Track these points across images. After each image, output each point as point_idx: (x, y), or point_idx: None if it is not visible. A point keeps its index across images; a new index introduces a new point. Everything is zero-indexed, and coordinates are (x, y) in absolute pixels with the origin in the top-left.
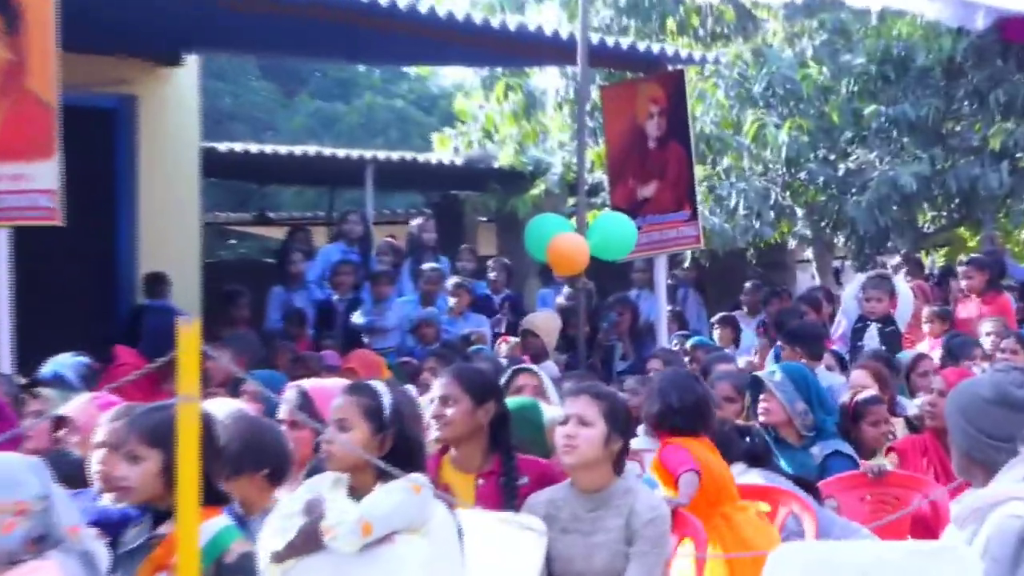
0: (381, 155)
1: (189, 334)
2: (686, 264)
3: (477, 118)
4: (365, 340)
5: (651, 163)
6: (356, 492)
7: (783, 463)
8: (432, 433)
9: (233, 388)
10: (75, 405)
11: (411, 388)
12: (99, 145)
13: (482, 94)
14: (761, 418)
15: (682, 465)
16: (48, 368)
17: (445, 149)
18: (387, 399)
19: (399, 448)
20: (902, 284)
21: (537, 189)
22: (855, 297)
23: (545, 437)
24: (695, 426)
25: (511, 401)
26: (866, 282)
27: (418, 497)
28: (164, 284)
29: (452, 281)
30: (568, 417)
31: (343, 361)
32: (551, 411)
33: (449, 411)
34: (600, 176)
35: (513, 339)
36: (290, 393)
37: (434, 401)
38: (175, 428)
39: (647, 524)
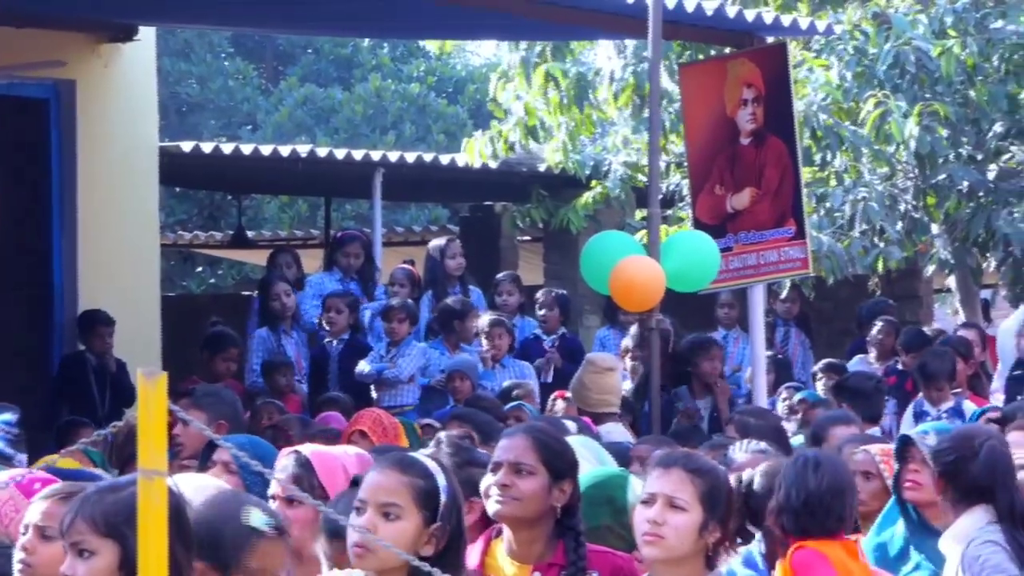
0: (392, 156)
1: (152, 391)
2: (783, 295)
3: (510, 111)
4: (373, 395)
5: (744, 165)
6: None
7: (926, 553)
8: (490, 507)
9: (204, 458)
10: None
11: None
12: (26, 145)
13: (520, 81)
14: (908, 494)
15: None
16: None
17: (479, 156)
18: (442, 481)
19: (450, 547)
20: None
21: (592, 194)
22: (1015, 335)
23: (628, 522)
24: (833, 526)
25: (592, 472)
26: None
27: None
28: (103, 325)
29: (486, 319)
30: (653, 497)
31: (349, 423)
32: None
33: (521, 483)
34: (677, 181)
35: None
36: (286, 461)
37: (496, 468)
38: (135, 512)
39: None
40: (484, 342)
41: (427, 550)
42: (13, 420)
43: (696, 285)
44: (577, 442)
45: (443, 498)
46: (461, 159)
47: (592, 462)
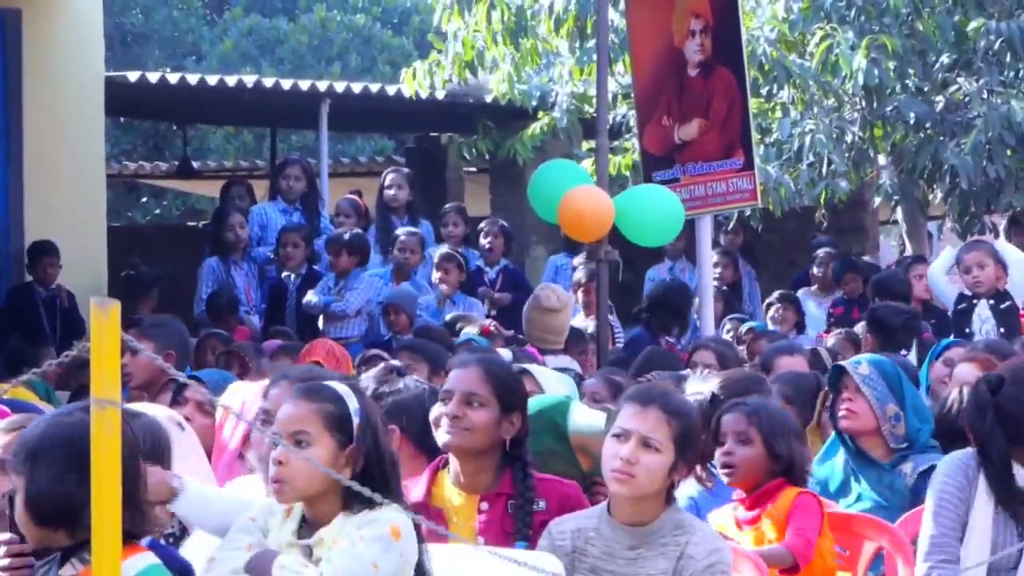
0: (338, 87)
1: (105, 321)
2: (729, 226)
3: (452, 41)
4: (321, 327)
5: (691, 96)
6: (313, 525)
7: (865, 483)
8: (440, 437)
9: (176, 392)
10: None
11: None
12: None
13: (455, 14)
14: (843, 423)
15: (812, 538)
16: None
17: (416, 87)
18: (353, 404)
19: (370, 468)
20: (1011, 249)
21: (538, 125)
22: (944, 273)
23: (570, 447)
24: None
25: (535, 399)
26: (961, 250)
27: (397, 546)
28: (53, 256)
29: (439, 253)
30: (627, 433)
31: (302, 354)
32: (582, 415)
33: (473, 414)
34: (623, 112)
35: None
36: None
37: (447, 398)
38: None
39: (704, 572)
40: (435, 275)
41: (346, 473)
42: None
43: (663, 239)
44: (554, 377)
45: (356, 420)
46: (407, 90)
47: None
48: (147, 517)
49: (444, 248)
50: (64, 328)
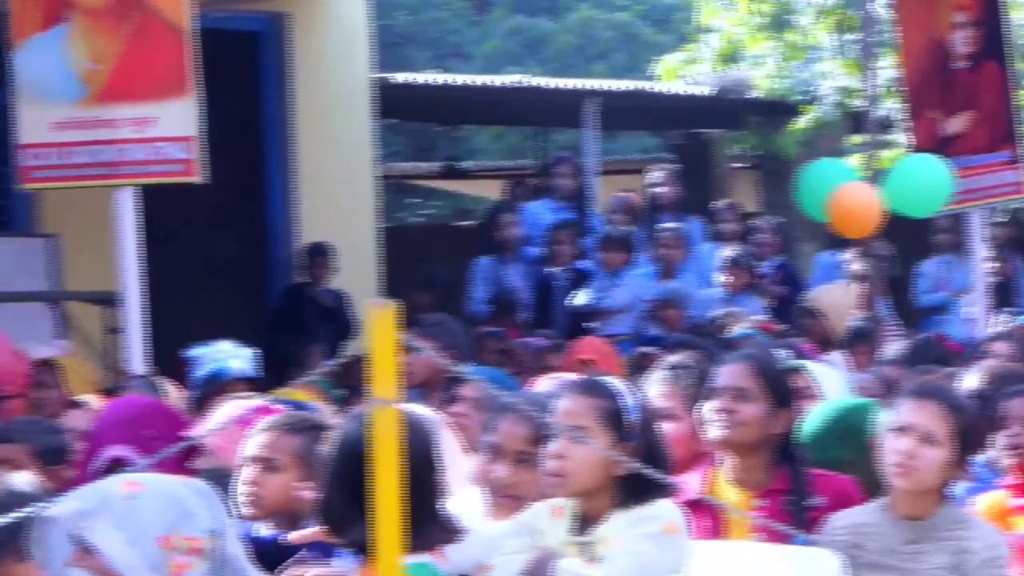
0: (606, 86)
1: (383, 321)
2: (1000, 220)
3: (711, 36)
4: (590, 325)
5: (959, 89)
6: (586, 522)
7: None
8: (711, 432)
9: (447, 390)
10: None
11: None
12: (241, 79)
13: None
14: None
15: None
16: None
17: (672, 79)
18: (630, 400)
19: (643, 464)
20: None
21: (805, 120)
22: None
23: (868, 457)
24: None
25: (833, 403)
26: None
27: (674, 543)
28: (328, 257)
29: (724, 254)
30: (907, 428)
31: (571, 352)
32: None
33: (744, 409)
34: (889, 106)
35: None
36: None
37: (718, 393)
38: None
39: (983, 566)
40: (721, 277)
41: (620, 470)
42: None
43: (928, 209)
44: (826, 374)
45: (630, 417)
46: (675, 88)
47: (836, 391)
48: (434, 534)
49: (728, 252)
50: (336, 328)
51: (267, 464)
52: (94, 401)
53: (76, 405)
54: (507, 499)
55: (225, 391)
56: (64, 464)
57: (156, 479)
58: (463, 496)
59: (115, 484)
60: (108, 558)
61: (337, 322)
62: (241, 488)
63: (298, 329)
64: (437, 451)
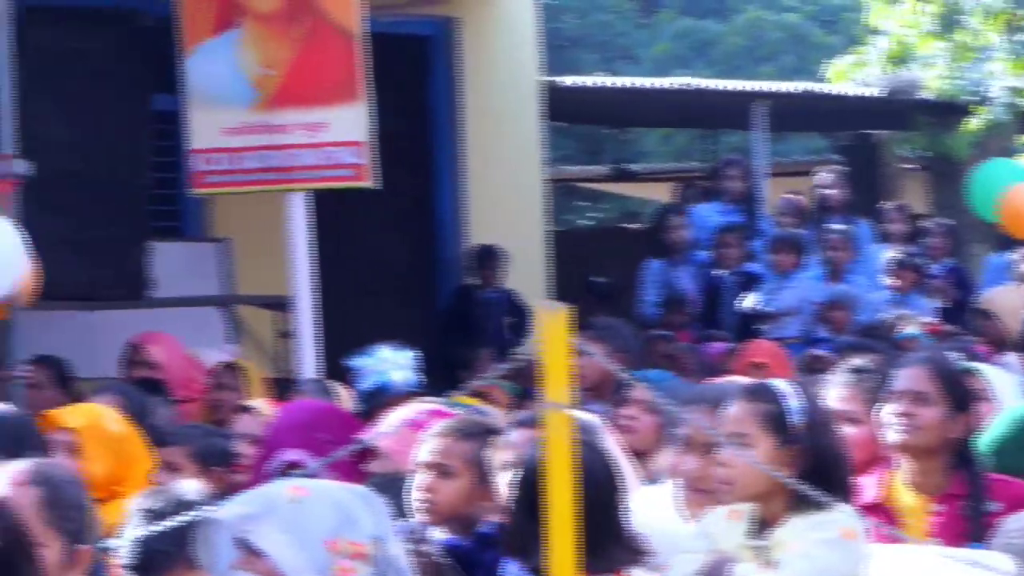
0: (775, 87)
1: (555, 325)
2: None
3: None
4: (759, 328)
5: None
6: (764, 525)
7: None
8: (890, 436)
9: (617, 393)
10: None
11: None
12: (411, 83)
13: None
14: None
15: None
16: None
17: (843, 80)
18: (795, 403)
19: (815, 467)
20: None
21: (976, 120)
22: None
23: None
24: None
25: (1021, 410)
26: None
27: (851, 548)
28: (498, 260)
29: (891, 256)
30: None
31: (743, 355)
32: None
33: (923, 413)
34: None
35: None
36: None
37: (898, 397)
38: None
39: None
40: (888, 280)
41: (785, 472)
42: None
43: None
44: (994, 374)
45: (794, 420)
46: (847, 89)
47: (1011, 394)
48: (616, 555)
49: (895, 252)
50: (507, 330)
51: (441, 470)
52: (264, 406)
53: (246, 410)
54: (699, 492)
55: (390, 404)
56: (226, 467)
57: (320, 484)
58: (643, 495)
59: (281, 488)
60: (275, 561)
61: (506, 323)
62: (416, 494)
63: (467, 331)
64: (616, 468)
